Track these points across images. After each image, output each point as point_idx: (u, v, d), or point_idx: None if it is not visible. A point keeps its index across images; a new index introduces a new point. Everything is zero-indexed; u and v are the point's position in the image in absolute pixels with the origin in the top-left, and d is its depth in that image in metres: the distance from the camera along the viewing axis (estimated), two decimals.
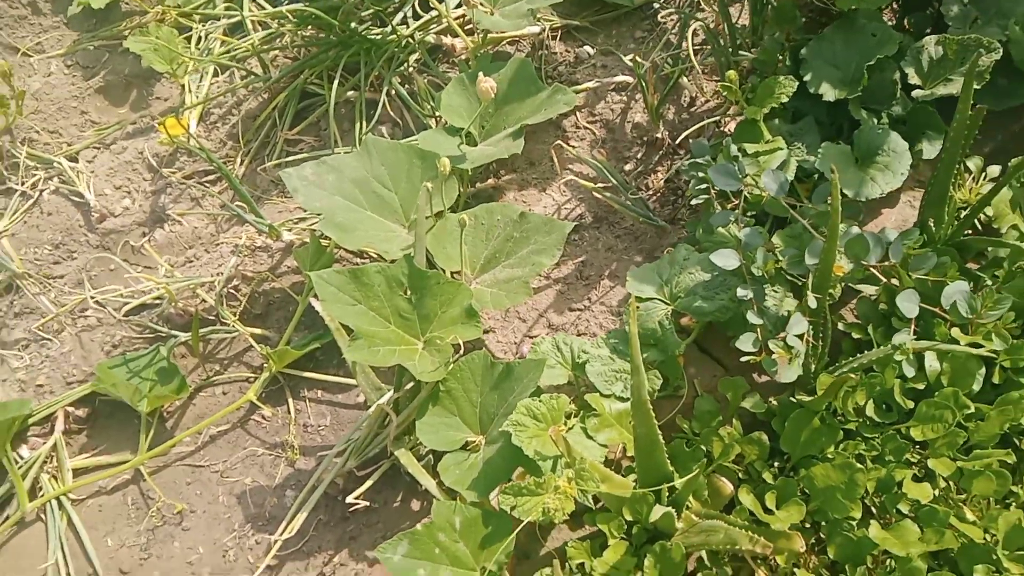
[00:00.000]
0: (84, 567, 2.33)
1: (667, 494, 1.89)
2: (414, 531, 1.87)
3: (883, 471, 1.91)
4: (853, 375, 1.98)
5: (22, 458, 2.42)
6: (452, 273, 2.31)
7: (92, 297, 2.69)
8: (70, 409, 2.48)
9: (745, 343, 1.86)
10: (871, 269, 2.00)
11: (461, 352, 2.12)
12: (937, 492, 1.93)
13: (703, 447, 2.05)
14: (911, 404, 1.97)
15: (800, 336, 1.81)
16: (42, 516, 2.41)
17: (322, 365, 2.54)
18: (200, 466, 2.45)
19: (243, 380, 2.57)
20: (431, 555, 1.87)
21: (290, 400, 2.50)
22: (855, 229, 2.00)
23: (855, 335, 2.13)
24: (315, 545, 2.27)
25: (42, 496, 2.39)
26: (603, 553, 1.92)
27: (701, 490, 1.95)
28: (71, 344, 2.64)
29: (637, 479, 1.94)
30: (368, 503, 2.22)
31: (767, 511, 1.88)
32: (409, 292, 2.09)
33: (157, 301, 2.67)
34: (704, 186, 2.20)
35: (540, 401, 1.87)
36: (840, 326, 2.16)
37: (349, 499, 2.07)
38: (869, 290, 2.16)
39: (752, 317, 1.86)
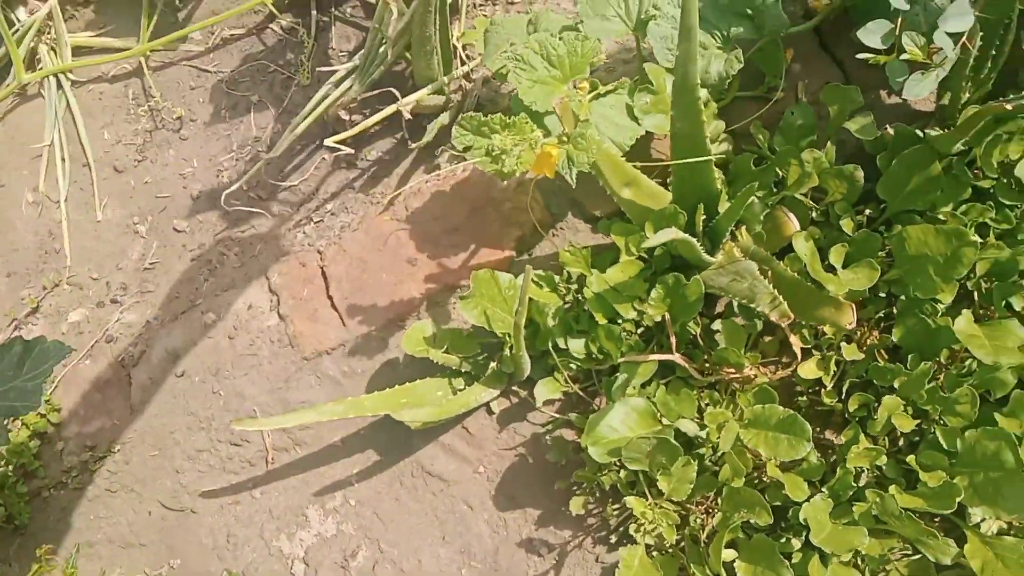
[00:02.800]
0: (79, 155, 2.16)
1: (704, 216, 1.45)
2: None
3: (1007, 252, 1.40)
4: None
5: (19, 20, 2.16)
6: None
7: None
8: None
9: (874, 33, 1.27)
10: None
11: None
12: None
13: (777, 170, 1.55)
14: None
15: (956, 36, 1.21)
16: (42, 92, 2.20)
17: None
18: (207, 71, 2.14)
19: None
20: None
21: (314, 13, 2.09)
22: None
23: None
24: (313, 187, 1.99)
25: (41, 69, 2.16)
26: (608, 270, 1.55)
27: (754, 221, 1.50)
28: None
29: (673, 191, 1.50)
30: (356, 152, 1.90)
31: (828, 268, 1.43)
32: None
33: None
34: None
35: (562, 39, 1.38)
36: None
37: (328, 142, 1.72)
38: None
39: None
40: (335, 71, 1.90)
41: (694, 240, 1.33)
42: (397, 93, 1.80)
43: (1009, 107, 1.24)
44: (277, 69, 2.10)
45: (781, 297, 1.24)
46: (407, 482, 1.75)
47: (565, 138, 1.28)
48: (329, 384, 1.80)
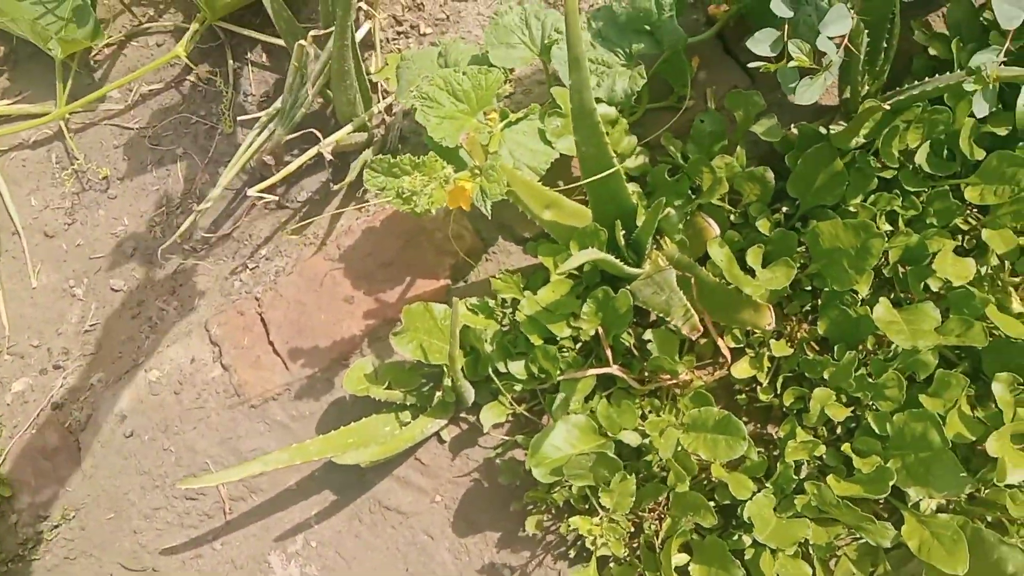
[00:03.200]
0: (7, 224, 2.14)
1: (624, 231, 1.49)
2: None
3: (915, 238, 1.45)
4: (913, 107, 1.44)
5: None
6: None
7: None
8: None
9: (761, 43, 1.32)
10: None
11: None
12: (983, 271, 1.48)
13: (691, 178, 1.59)
14: (981, 155, 1.45)
15: (837, 39, 1.25)
16: None
17: (269, 24, 2.08)
18: (129, 128, 2.13)
19: (181, 31, 2.15)
20: None
21: (230, 62, 2.09)
22: None
23: (933, 51, 1.55)
24: (246, 233, 1.99)
25: None
26: (540, 291, 1.58)
27: (673, 231, 1.53)
28: None
29: (591, 210, 1.53)
30: (285, 194, 1.92)
31: (747, 270, 1.47)
32: None
33: None
34: None
35: (465, 74, 1.40)
36: (916, 35, 1.57)
37: (251, 192, 1.73)
38: None
39: (778, 5, 1.30)
40: (257, 117, 1.91)
41: (612, 257, 1.36)
42: (319, 134, 1.81)
43: (887, 106, 1.29)
44: (199, 120, 2.10)
45: (693, 310, 1.27)
46: (366, 518, 1.76)
47: (477, 171, 1.30)
48: (278, 429, 1.80)
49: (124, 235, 2.08)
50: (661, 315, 1.31)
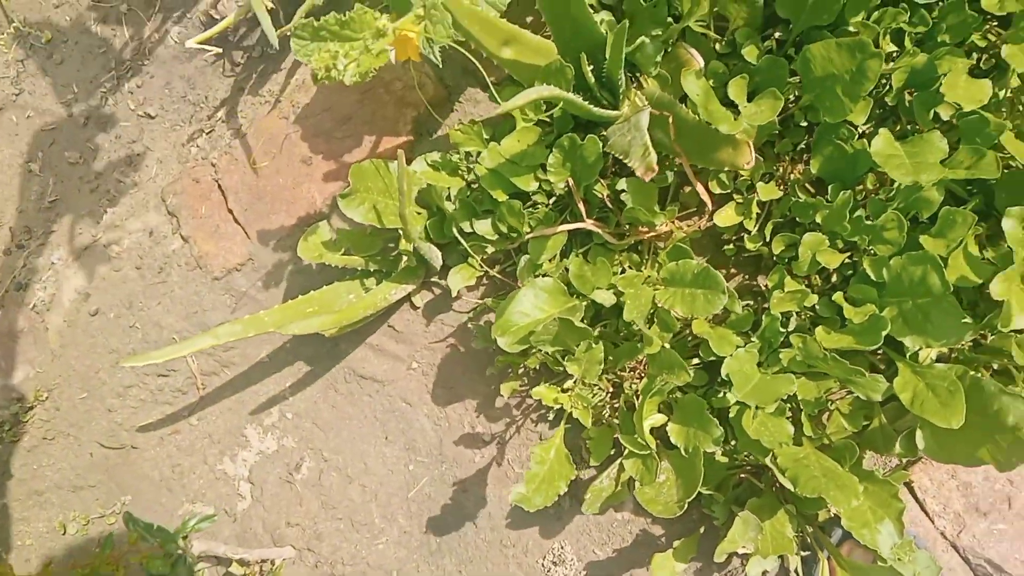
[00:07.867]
0: None
1: (591, 67, 1.32)
2: None
3: (921, 58, 1.27)
4: None
5: None
6: None
7: None
8: None
9: None
10: None
11: None
12: (1001, 94, 1.30)
13: (670, 3, 1.40)
14: None
15: None
16: None
17: None
18: None
19: None
20: None
21: None
22: None
23: None
24: (201, 95, 1.85)
25: None
26: (503, 140, 1.43)
27: (649, 64, 1.36)
28: None
29: (556, 45, 1.36)
30: (239, 50, 1.75)
31: (727, 102, 1.30)
32: None
33: None
34: None
35: None
36: None
37: (190, 43, 1.57)
38: None
39: None
40: None
41: (572, 95, 1.20)
42: None
43: None
44: None
45: (671, 151, 1.12)
46: (341, 388, 1.70)
47: (421, 13, 1.13)
48: (244, 300, 1.72)
49: (75, 102, 1.94)
50: (621, 157, 1.16)
